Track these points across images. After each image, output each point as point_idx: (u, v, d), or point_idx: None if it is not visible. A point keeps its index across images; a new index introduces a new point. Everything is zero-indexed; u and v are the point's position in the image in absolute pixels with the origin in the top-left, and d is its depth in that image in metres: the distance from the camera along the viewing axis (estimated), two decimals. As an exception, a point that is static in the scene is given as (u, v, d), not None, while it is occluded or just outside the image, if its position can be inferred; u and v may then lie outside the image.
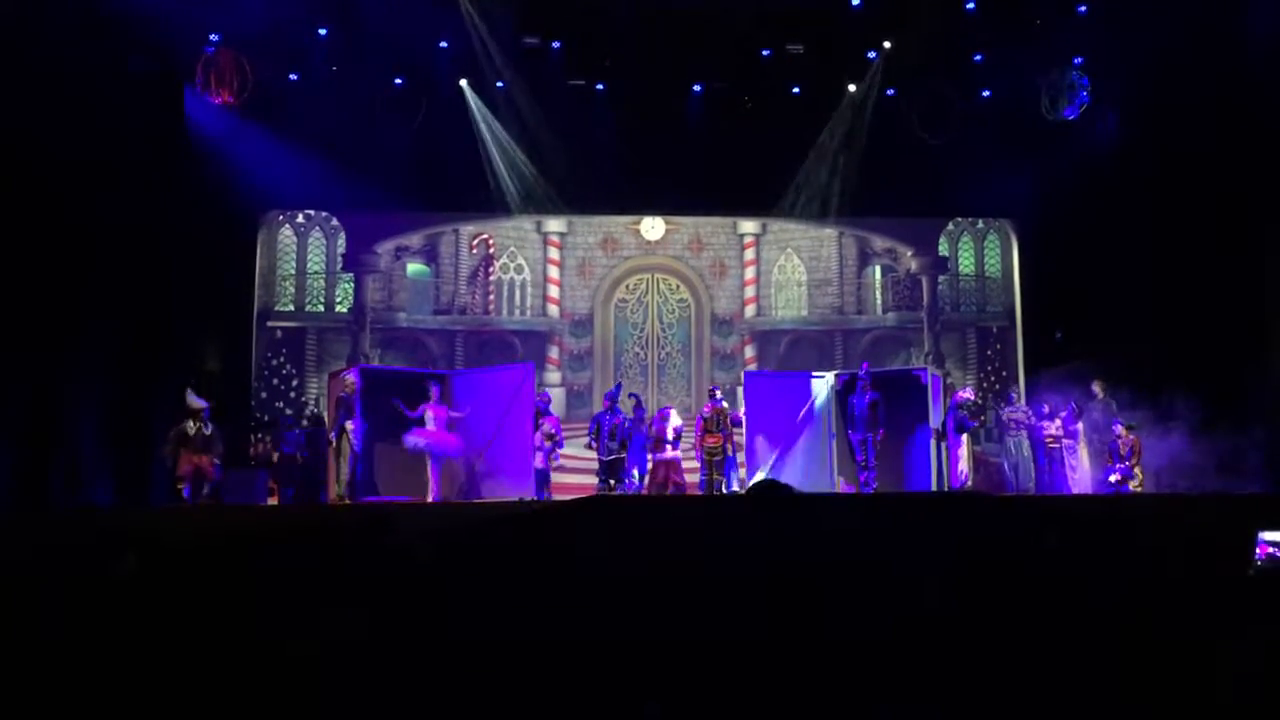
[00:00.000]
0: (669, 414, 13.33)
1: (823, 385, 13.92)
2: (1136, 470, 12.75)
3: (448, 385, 13.34)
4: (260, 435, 14.02)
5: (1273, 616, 2.93)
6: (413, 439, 12.68)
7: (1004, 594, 3.13)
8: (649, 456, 13.16)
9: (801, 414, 13.81)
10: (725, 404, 13.28)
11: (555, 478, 13.32)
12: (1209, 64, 13.36)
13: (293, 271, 16.28)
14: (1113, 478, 12.84)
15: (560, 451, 13.24)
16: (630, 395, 13.76)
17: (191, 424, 12.23)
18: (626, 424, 13.07)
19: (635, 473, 12.97)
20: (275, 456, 13.79)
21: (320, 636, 2.90)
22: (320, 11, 14.19)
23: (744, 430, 13.41)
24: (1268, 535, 5.90)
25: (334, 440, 12.98)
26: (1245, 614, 2.90)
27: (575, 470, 14.08)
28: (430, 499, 12.59)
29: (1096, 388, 13.56)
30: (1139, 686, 2.60)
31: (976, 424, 13.84)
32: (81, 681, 2.76)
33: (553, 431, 12.91)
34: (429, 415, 12.73)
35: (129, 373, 13.11)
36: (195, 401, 12.41)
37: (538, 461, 12.69)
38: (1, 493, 11.26)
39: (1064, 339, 14.96)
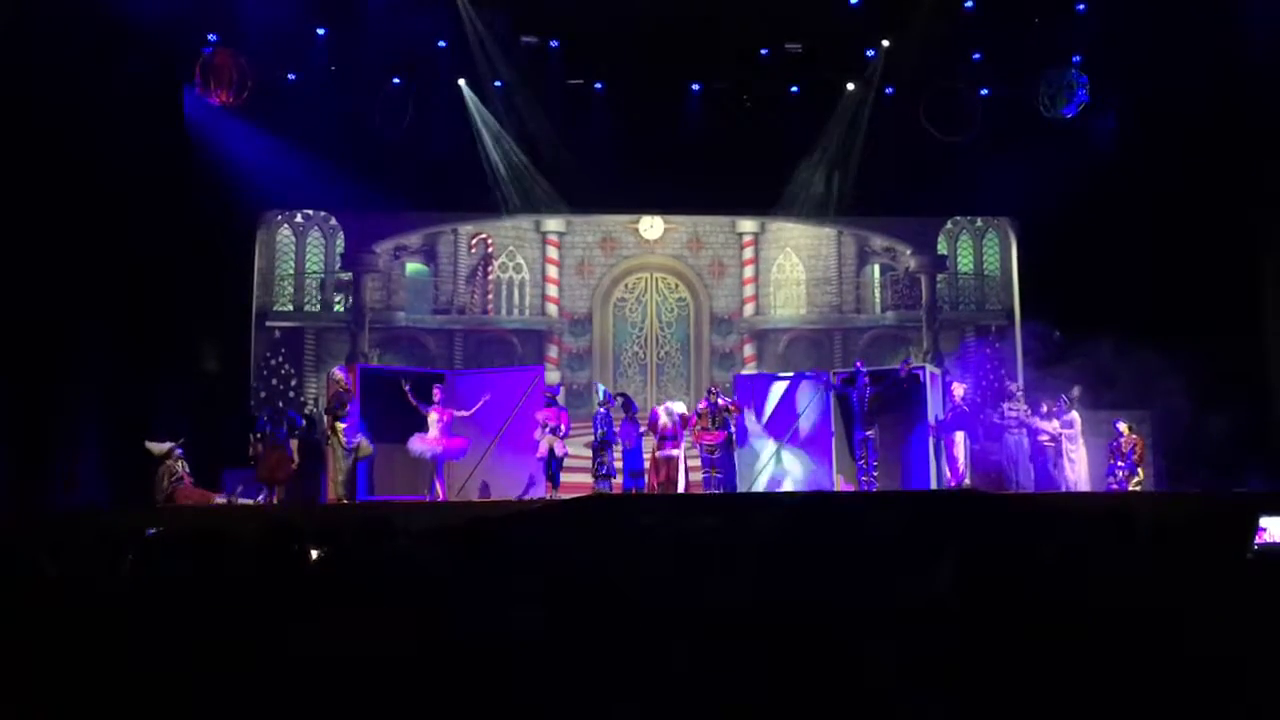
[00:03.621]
0: (667, 408, 13.32)
1: (808, 388, 13.96)
2: (1139, 469, 12.78)
3: (451, 386, 13.35)
4: (257, 435, 13.94)
5: (1269, 602, 2.92)
6: (418, 446, 12.68)
7: (1004, 591, 3.12)
8: (648, 454, 13.19)
9: (804, 416, 13.84)
10: (723, 401, 13.28)
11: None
12: (1207, 62, 13.37)
13: (291, 271, 16.26)
14: (1117, 474, 12.85)
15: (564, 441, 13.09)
16: (619, 395, 13.76)
17: (176, 464, 12.17)
18: (617, 423, 13.11)
19: (630, 472, 12.96)
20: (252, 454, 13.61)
21: (316, 637, 2.89)
22: (318, 11, 14.18)
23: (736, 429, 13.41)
24: (1267, 521, 5.97)
25: (329, 440, 12.98)
26: (1243, 603, 2.90)
27: (574, 470, 14.05)
28: (433, 500, 12.60)
29: (1071, 395, 13.60)
30: (1139, 685, 2.59)
31: (976, 422, 13.81)
32: (79, 683, 2.76)
33: (547, 421, 12.85)
34: (432, 418, 12.71)
35: (127, 372, 13.10)
36: (161, 446, 12.24)
37: (540, 450, 12.69)
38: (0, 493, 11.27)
39: (1062, 337, 14.96)
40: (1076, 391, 13.55)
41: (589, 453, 13.72)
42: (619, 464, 13.06)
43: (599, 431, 13.01)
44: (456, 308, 16.65)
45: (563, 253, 17.01)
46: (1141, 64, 14.02)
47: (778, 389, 14.25)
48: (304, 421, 13.61)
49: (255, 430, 13.00)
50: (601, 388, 13.94)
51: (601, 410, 13.18)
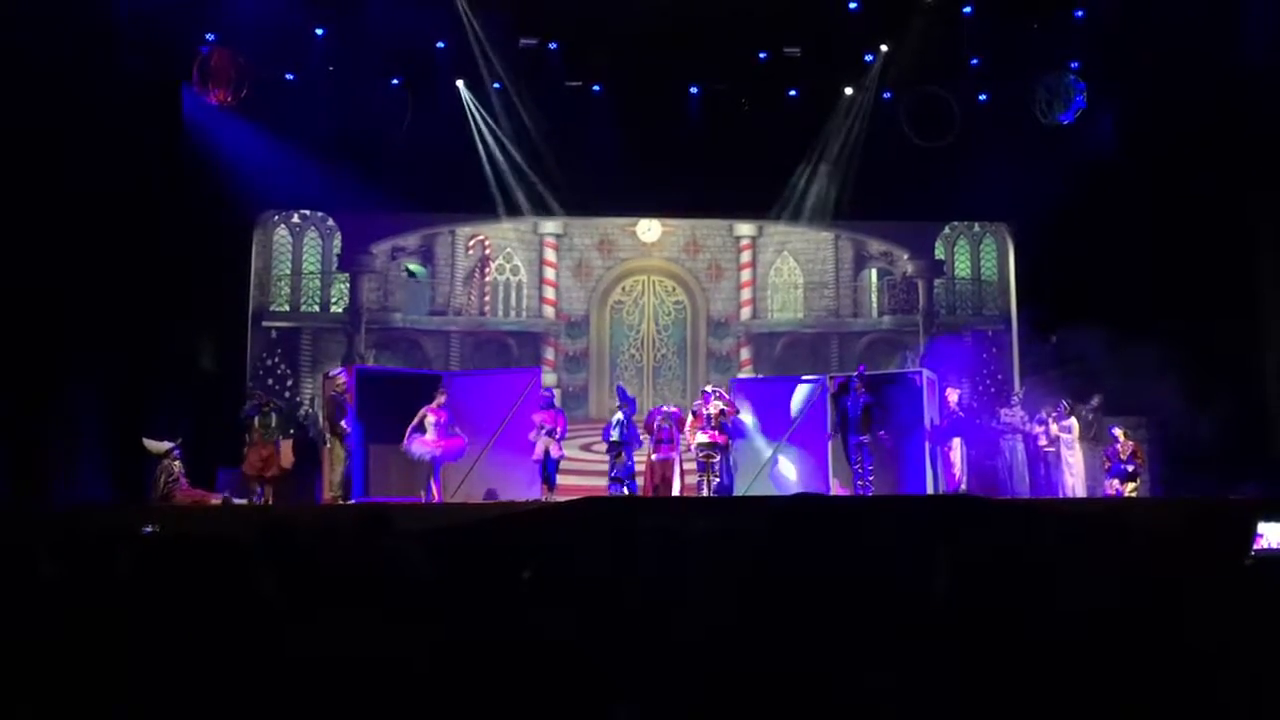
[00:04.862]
0: (664, 411, 13.32)
1: (805, 390, 13.94)
2: (1136, 475, 12.80)
3: (450, 387, 13.32)
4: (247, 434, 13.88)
5: (1267, 607, 2.93)
6: (418, 448, 12.65)
7: (1001, 596, 3.13)
8: (643, 457, 13.20)
9: (795, 419, 13.84)
10: (719, 404, 13.27)
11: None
12: (1205, 68, 13.40)
13: (288, 271, 16.25)
14: (1112, 482, 12.86)
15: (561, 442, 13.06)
16: (616, 390, 13.81)
17: (173, 464, 12.19)
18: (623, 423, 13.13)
19: (614, 474, 12.96)
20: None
21: (313, 639, 2.89)
22: (317, 11, 14.18)
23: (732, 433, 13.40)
24: (1264, 527, 5.98)
25: (327, 440, 12.96)
26: (1240, 608, 2.90)
27: (571, 471, 14.06)
28: (429, 502, 12.59)
29: (1091, 405, 13.63)
30: (1135, 690, 2.59)
31: (972, 428, 13.81)
32: (78, 683, 2.76)
33: (544, 424, 12.84)
34: (430, 420, 12.68)
35: (125, 371, 13.08)
36: (160, 445, 12.28)
37: (536, 453, 12.67)
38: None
39: (1059, 342, 14.98)
40: (1096, 401, 13.56)
41: (585, 455, 13.70)
42: (639, 466, 13.12)
43: (614, 434, 12.99)
44: (453, 309, 16.63)
45: (560, 255, 17.00)
46: (1139, 70, 14.05)
47: (770, 394, 14.25)
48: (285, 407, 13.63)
49: (246, 427, 12.94)
50: (620, 389, 13.89)
51: (626, 410, 13.19)
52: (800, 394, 13.99)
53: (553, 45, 14.82)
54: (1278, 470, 12.67)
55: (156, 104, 13.89)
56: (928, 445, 13.38)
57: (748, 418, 13.82)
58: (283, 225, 16.33)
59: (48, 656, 2.83)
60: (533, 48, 14.83)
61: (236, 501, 12.56)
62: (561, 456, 12.93)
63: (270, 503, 12.65)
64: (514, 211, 15.85)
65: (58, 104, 12.09)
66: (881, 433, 12.99)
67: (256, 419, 12.92)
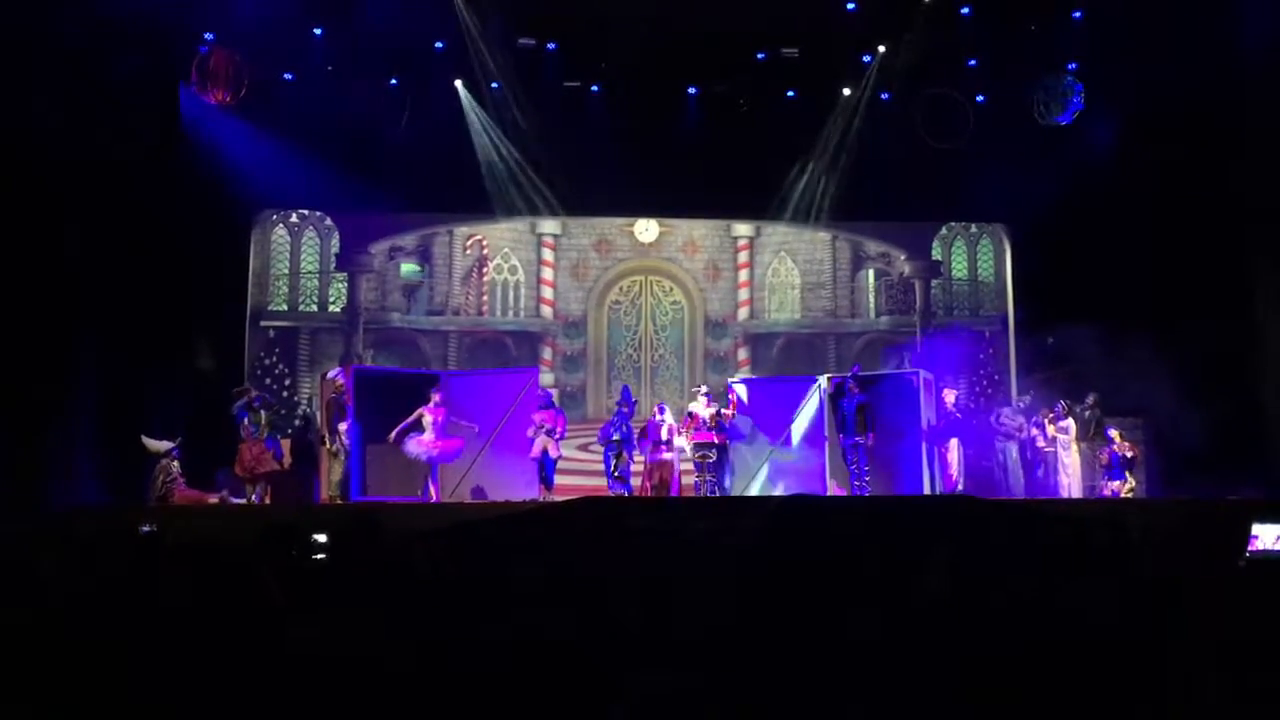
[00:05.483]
0: (664, 411, 13.34)
1: (817, 391, 13.96)
2: (1129, 476, 12.82)
3: (447, 387, 13.32)
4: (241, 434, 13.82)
5: (1262, 610, 2.94)
6: (414, 448, 12.65)
7: (997, 596, 3.14)
8: (646, 457, 13.23)
9: (798, 421, 13.87)
10: (717, 405, 13.29)
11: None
12: (1202, 70, 13.41)
13: (286, 271, 16.24)
14: (1108, 483, 12.88)
15: (559, 442, 13.07)
16: (622, 390, 13.86)
17: (171, 464, 12.19)
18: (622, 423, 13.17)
19: (616, 473, 12.99)
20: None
21: (313, 638, 2.90)
22: (315, 11, 14.18)
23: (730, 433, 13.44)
24: (1259, 529, 5.99)
25: (326, 442, 12.95)
26: (1235, 608, 2.92)
27: (572, 471, 14.06)
28: (427, 502, 12.59)
29: (1087, 402, 13.65)
30: (1133, 690, 2.61)
31: (968, 428, 13.83)
32: (78, 682, 2.77)
33: (543, 423, 12.85)
34: (427, 420, 12.68)
35: (124, 371, 13.08)
36: (159, 445, 12.28)
37: (534, 451, 12.69)
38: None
39: (1056, 343, 14.99)
40: (1092, 399, 13.58)
41: (583, 455, 13.68)
42: (636, 466, 13.14)
43: (615, 435, 13.02)
44: (451, 309, 16.63)
45: (558, 255, 16.99)
46: (1137, 71, 14.07)
47: (769, 395, 14.27)
48: (275, 401, 13.65)
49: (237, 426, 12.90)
50: (625, 389, 13.93)
51: (625, 410, 13.21)
52: (808, 396, 14.00)
53: (551, 45, 14.83)
54: (1273, 472, 12.70)
55: (155, 103, 13.88)
56: (924, 446, 13.39)
57: (744, 419, 13.84)
58: (281, 225, 16.33)
59: (47, 656, 2.83)
60: (531, 48, 14.85)
61: (234, 500, 12.56)
62: (560, 456, 12.96)
63: (268, 502, 12.63)
64: (511, 211, 15.89)
65: (56, 102, 12.08)
66: (870, 435, 13.01)
67: (246, 418, 12.88)
